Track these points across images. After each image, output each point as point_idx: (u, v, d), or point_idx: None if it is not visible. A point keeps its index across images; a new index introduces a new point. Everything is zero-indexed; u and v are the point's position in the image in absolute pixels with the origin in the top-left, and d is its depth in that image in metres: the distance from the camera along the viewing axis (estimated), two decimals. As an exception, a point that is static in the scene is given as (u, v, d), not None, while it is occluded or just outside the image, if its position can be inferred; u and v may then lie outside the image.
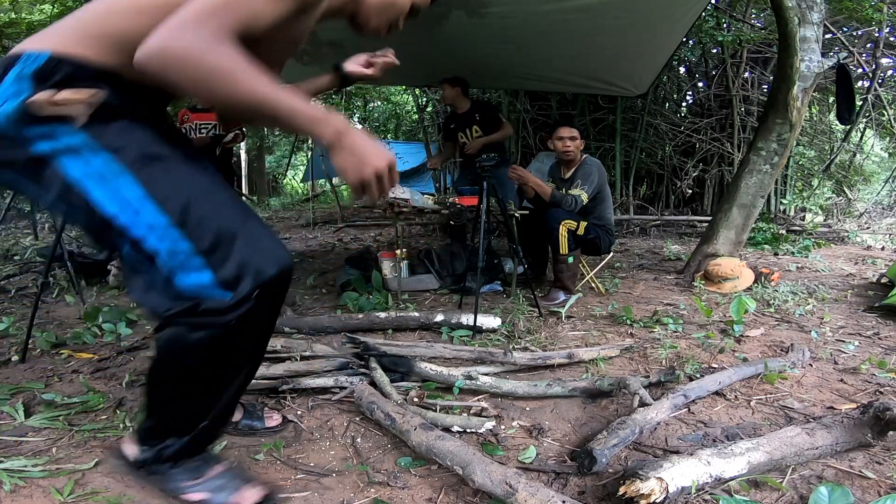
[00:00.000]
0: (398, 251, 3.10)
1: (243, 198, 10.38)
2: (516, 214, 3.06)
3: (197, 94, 0.85)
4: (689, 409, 1.63)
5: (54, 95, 0.89)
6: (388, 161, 0.91)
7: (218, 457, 1.22)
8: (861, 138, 6.88)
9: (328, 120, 0.90)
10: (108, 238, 0.94)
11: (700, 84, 6.87)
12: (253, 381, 1.74)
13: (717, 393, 1.73)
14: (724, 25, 5.92)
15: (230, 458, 1.34)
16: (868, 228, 6.31)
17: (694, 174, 6.53)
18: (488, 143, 3.89)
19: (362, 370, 1.82)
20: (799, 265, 4.13)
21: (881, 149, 7.89)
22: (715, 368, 1.95)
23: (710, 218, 4.52)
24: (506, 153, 4.41)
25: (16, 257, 4.26)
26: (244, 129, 4.10)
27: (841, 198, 7.05)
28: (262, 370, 1.81)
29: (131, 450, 1.14)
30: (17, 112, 0.88)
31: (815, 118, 6.92)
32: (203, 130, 3.92)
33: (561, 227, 2.92)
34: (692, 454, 1.21)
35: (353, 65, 1.38)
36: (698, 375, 1.83)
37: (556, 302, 2.96)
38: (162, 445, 1.09)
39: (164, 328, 0.95)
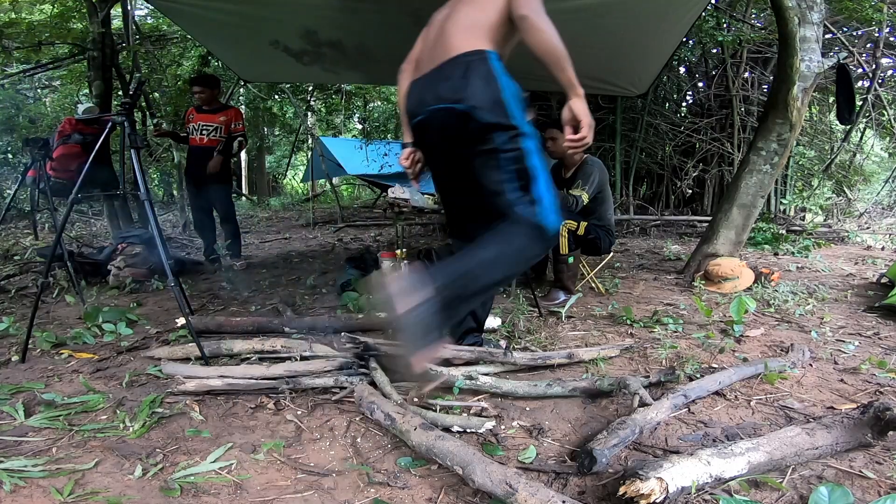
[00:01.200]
0: (398, 251, 3.10)
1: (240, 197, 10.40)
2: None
3: (538, 45, 1.54)
4: (689, 409, 1.63)
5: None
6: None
7: None
8: (861, 138, 6.88)
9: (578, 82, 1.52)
10: (521, 176, 1.53)
11: (700, 84, 6.88)
12: (253, 381, 1.76)
13: (717, 393, 1.73)
14: (724, 25, 5.91)
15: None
16: (868, 228, 6.30)
17: (694, 174, 6.53)
18: None
19: (362, 370, 1.82)
20: (799, 265, 4.13)
21: (881, 149, 7.89)
22: (715, 368, 1.95)
23: (710, 218, 4.52)
24: None
25: (16, 257, 4.26)
26: (245, 136, 4.09)
27: (841, 198, 7.05)
28: (263, 370, 1.81)
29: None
30: (518, 96, 1.57)
31: (815, 118, 6.92)
32: (205, 131, 3.91)
33: (561, 227, 2.92)
34: (692, 454, 1.21)
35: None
36: (698, 375, 1.83)
37: (556, 302, 2.96)
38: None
39: (523, 225, 1.49)
